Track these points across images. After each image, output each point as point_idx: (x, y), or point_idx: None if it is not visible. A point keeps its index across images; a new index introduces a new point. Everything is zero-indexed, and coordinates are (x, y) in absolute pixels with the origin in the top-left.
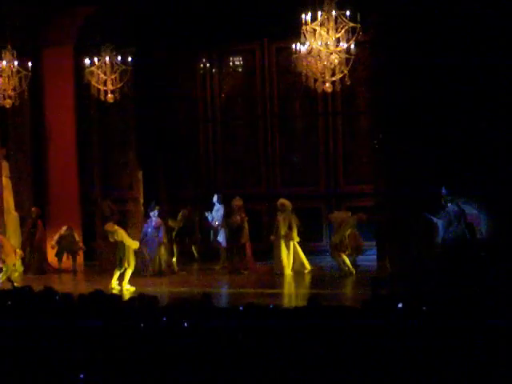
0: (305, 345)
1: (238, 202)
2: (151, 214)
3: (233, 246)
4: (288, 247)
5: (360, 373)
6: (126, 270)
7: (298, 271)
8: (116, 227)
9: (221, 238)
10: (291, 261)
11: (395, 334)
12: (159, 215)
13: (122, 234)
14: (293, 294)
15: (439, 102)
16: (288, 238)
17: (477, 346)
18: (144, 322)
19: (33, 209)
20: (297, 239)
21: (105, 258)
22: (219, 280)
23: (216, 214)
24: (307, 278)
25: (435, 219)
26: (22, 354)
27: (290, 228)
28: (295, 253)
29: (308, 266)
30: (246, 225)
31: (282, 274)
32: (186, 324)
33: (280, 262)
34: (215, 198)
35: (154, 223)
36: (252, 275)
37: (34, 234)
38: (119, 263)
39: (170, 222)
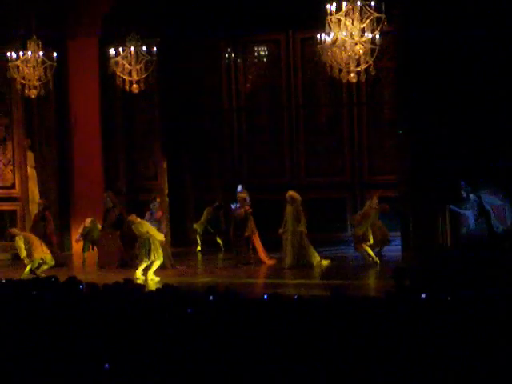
0: (328, 336)
1: (242, 194)
2: (151, 205)
3: (237, 238)
4: (297, 240)
5: (383, 363)
6: (153, 262)
7: (306, 264)
8: (139, 219)
9: None
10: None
11: (419, 325)
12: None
13: (146, 226)
14: (315, 285)
15: (465, 91)
16: (296, 231)
17: (501, 336)
18: (169, 312)
19: (39, 201)
20: (305, 231)
21: (104, 252)
22: (239, 270)
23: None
24: (331, 269)
25: (462, 211)
26: (47, 343)
27: (298, 221)
28: (304, 246)
29: (317, 258)
30: (250, 217)
31: (289, 268)
32: (209, 314)
33: (289, 255)
34: (239, 188)
35: (155, 215)
36: (265, 266)
37: (45, 226)
38: (147, 255)
39: (195, 226)
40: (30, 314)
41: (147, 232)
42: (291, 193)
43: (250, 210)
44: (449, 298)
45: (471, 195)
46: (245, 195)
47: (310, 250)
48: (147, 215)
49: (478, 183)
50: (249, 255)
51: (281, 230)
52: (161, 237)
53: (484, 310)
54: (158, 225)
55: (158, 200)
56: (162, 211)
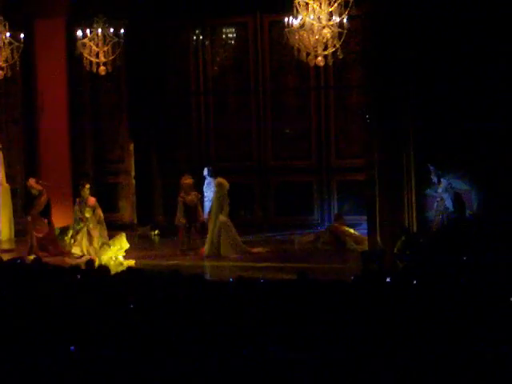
0: (295, 319)
1: (187, 180)
2: (81, 192)
3: (191, 225)
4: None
5: (350, 347)
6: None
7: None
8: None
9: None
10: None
11: (386, 308)
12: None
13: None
14: (282, 268)
15: (433, 75)
16: (218, 220)
17: (466, 318)
18: (133, 295)
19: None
20: (224, 220)
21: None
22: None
23: (207, 188)
24: (297, 252)
25: (438, 195)
26: (10, 324)
27: (221, 210)
28: (224, 236)
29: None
30: (199, 203)
31: (215, 256)
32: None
33: (208, 243)
34: (206, 171)
35: (87, 202)
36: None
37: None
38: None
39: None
40: None
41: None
42: (220, 180)
43: (199, 195)
44: (414, 282)
45: (442, 179)
46: (190, 181)
47: (225, 241)
48: (77, 202)
49: (445, 168)
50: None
51: (207, 217)
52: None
53: (451, 294)
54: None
55: (87, 186)
56: (93, 197)
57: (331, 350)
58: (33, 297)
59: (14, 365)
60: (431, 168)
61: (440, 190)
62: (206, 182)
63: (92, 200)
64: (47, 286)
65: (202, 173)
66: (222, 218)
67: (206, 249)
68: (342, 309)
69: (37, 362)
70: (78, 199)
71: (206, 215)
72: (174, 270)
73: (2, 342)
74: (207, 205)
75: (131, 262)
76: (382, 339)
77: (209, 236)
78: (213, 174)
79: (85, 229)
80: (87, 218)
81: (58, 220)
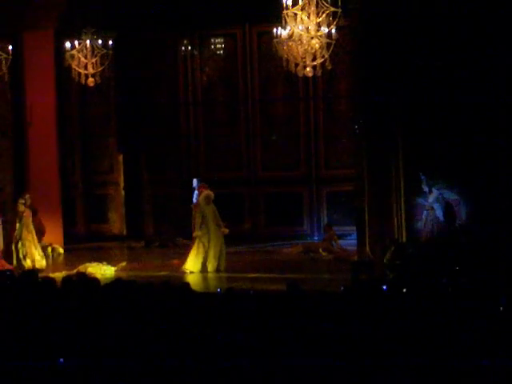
0: (284, 330)
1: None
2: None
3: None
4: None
5: (341, 357)
6: None
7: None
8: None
9: None
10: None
11: (376, 319)
12: None
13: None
14: (271, 279)
15: (422, 86)
16: (220, 232)
17: (458, 327)
18: (123, 307)
19: (27, 196)
20: (198, 234)
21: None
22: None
23: (196, 199)
24: (287, 263)
25: (429, 204)
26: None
27: (218, 221)
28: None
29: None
30: None
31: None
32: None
33: (211, 259)
34: (195, 183)
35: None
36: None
37: (36, 220)
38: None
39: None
40: None
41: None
42: (208, 192)
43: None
44: (404, 290)
45: (433, 189)
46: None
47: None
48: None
49: (434, 178)
50: None
51: (199, 233)
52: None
53: (441, 302)
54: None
55: (21, 201)
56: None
57: (322, 361)
58: (21, 308)
59: (2, 377)
60: (422, 177)
61: (431, 200)
62: (195, 193)
63: (27, 213)
64: (36, 297)
65: (191, 184)
66: (226, 230)
67: (211, 265)
68: (332, 319)
69: (25, 374)
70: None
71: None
72: (163, 282)
73: None
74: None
75: (120, 266)
76: (373, 349)
77: (214, 252)
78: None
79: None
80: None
81: (47, 233)
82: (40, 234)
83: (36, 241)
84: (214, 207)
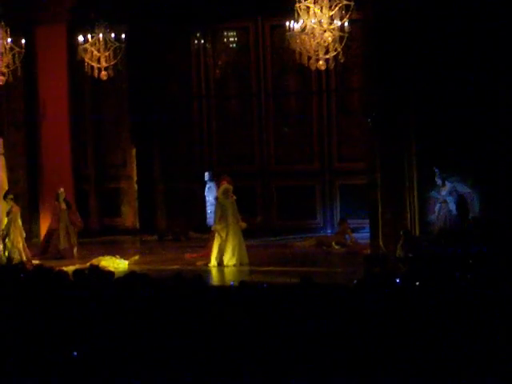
0: (297, 323)
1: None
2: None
3: None
4: (237, 235)
5: (354, 351)
6: None
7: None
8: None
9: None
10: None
11: (389, 312)
12: None
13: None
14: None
15: (435, 79)
16: (238, 226)
17: (472, 321)
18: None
19: (61, 190)
20: (217, 227)
21: None
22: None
23: (208, 193)
24: (300, 256)
25: (442, 197)
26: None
27: (237, 215)
28: (239, 245)
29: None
30: None
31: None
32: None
33: (231, 252)
34: (207, 176)
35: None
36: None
37: (70, 214)
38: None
39: None
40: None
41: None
42: (227, 186)
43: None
44: (417, 284)
45: (447, 182)
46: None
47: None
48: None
49: (447, 170)
50: None
51: (218, 227)
52: None
53: (454, 296)
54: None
55: (10, 197)
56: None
57: (335, 354)
58: (36, 302)
59: (18, 370)
60: (436, 170)
61: (444, 193)
62: (207, 186)
63: (15, 208)
64: (50, 290)
65: (204, 177)
66: (244, 224)
67: (228, 259)
68: (345, 313)
69: (40, 367)
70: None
71: (210, 221)
72: (176, 274)
73: (6, 347)
74: (211, 209)
75: (133, 260)
76: (387, 343)
77: (231, 245)
78: (214, 179)
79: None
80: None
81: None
82: (75, 227)
83: (23, 236)
84: (233, 201)
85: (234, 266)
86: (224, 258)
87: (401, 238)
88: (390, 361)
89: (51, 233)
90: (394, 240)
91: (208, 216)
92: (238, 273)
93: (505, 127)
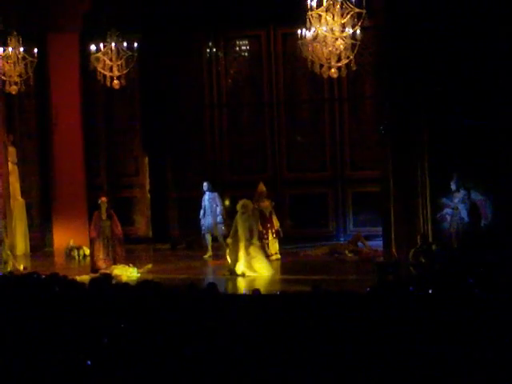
0: (310, 331)
1: (261, 188)
2: None
3: (267, 231)
4: (248, 251)
5: (367, 358)
6: None
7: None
8: None
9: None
10: (255, 264)
11: (402, 320)
12: None
13: None
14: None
15: (447, 86)
16: (249, 243)
17: (484, 328)
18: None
19: (104, 199)
20: (257, 243)
21: None
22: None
23: (212, 203)
24: (314, 265)
25: (454, 204)
26: (28, 339)
27: (251, 232)
28: (257, 258)
29: (270, 270)
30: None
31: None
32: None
33: (236, 264)
34: (205, 186)
35: None
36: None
37: (112, 225)
38: None
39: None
40: (10, 311)
41: None
42: (245, 202)
43: (273, 204)
44: (430, 292)
45: (461, 189)
46: (264, 189)
47: (263, 261)
48: None
49: (461, 177)
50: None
51: (229, 240)
52: None
53: (467, 304)
54: None
55: None
56: None
57: (348, 361)
58: (49, 311)
59: (30, 378)
60: (454, 175)
61: (456, 200)
62: (206, 197)
63: None
64: (63, 300)
65: (217, 186)
66: (256, 242)
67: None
68: (358, 320)
69: (53, 376)
70: None
71: (206, 230)
72: (190, 283)
73: (20, 355)
74: (209, 220)
75: (146, 268)
76: (399, 350)
77: (245, 258)
78: (212, 189)
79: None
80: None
81: (74, 235)
82: (116, 237)
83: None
84: (247, 217)
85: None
86: (236, 268)
87: (417, 243)
88: (402, 368)
89: (92, 242)
90: (407, 247)
91: (206, 225)
92: (250, 282)
93: None
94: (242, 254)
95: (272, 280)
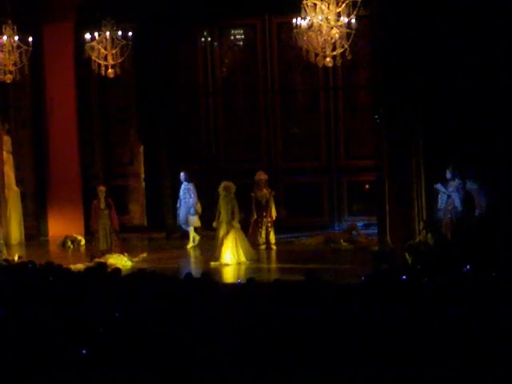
0: (305, 320)
1: (261, 176)
2: None
3: (263, 220)
4: (229, 235)
5: (361, 347)
6: None
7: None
8: None
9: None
10: (236, 251)
11: (397, 309)
12: None
13: None
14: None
15: (443, 75)
16: (231, 226)
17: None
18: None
19: (101, 187)
20: (238, 226)
21: None
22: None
23: (186, 194)
24: (309, 254)
25: (448, 192)
26: (24, 326)
27: (232, 214)
28: (240, 242)
29: (250, 256)
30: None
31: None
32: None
33: (221, 250)
34: (182, 177)
35: None
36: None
37: (110, 214)
38: None
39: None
40: (5, 300)
41: None
42: (227, 183)
43: (273, 193)
44: (425, 280)
45: (456, 178)
46: (264, 177)
47: (245, 247)
48: None
49: (457, 167)
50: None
51: (215, 224)
52: None
53: (462, 291)
54: None
55: None
56: None
57: (342, 352)
58: (45, 300)
59: (26, 366)
60: (450, 164)
61: (451, 189)
62: (182, 187)
63: None
64: (59, 289)
65: (213, 175)
66: (237, 224)
67: (227, 257)
68: (353, 309)
69: (49, 365)
70: None
71: (181, 222)
72: (187, 273)
73: (15, 344)
74: (183, 211)
75: (141, 257)
76: (394, 340)
77: (229, 244)
78: (189, 179)
79: None
80: None
81: (69, 224)
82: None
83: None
84: (229, 200)
85: (240, 263)
86: (223, 256)
87: (422, 227)
88: (398, 358)
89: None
90: (402, 236)
91: (181, 217)
92: (245, 270)
93: None
94: (226, 241)
95: (267, 269)
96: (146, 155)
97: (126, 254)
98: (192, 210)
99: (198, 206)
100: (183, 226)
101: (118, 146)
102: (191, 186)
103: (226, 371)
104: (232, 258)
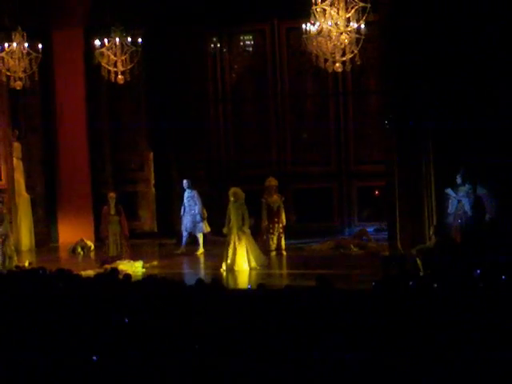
0: (316, 326)
1: (271, 182)
2: None
3: (274, 226)
4: (240, 241)
5: (372, 352)
6: None
7: (254, 267)
8: None
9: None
10: (247, 257)
11: (407, 314)
12: None
13: None
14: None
15: (452, 80)
16: (242, 232)
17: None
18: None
19: (112, 194)
20: (248, 232)
21: None
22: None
23: (191, 201)
24: (319, 260)
25: (458, 197)
26: (36, 334)
27: (242, 220)
28: (251, 248)
29: (260, 262)
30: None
31: (231, 269)
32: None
33: (232, 257)
34: (185, 184)
35: None
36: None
37: (121, 221)
38: None
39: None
40: (17, 306)
41: None
42: (235, 189)
43: (283, 198)
44: (435, 285)
45: (467, 183)
46: (274, 183)
47: (255, 252)
48: None
49: (466, 173)
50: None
51: (226, 230)
52: None
53: (470, 296)
54: None
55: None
56: None
57: (354, 355)
58: (55, 306)
59: (37, 373)
60: (461, 169)
61: (461, 194)
62: (186, 194)
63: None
64: (69, 295)
65: (222, 181)
66: (247, 230)
67: (241, 263)
68: (364, 315)
69: (59, 372)
70: None
71: (185, 229)
72: (197, 279)
73: (25, 350)
74: (187, 218)
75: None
76: (404, 345)
77: (230, 250)
78: (192, 186)
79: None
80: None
81: (79, 230)
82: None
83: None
84: (239, 205)
85: (251, 269)
86: (235, 263)
87: (432, 232)
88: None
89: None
90: (412, 241)
91: (186, 225)
92: (256, 276)
93: None
94: (238, 247)
95: (278, 275)
96: (155, 161)
97: (136, 261)
98: (198, 217)
99: (204, 211)
100: (184, 233)
101: (128, 152)
102: (195, 193)
103: (236, 377)
104: (243, 264)
